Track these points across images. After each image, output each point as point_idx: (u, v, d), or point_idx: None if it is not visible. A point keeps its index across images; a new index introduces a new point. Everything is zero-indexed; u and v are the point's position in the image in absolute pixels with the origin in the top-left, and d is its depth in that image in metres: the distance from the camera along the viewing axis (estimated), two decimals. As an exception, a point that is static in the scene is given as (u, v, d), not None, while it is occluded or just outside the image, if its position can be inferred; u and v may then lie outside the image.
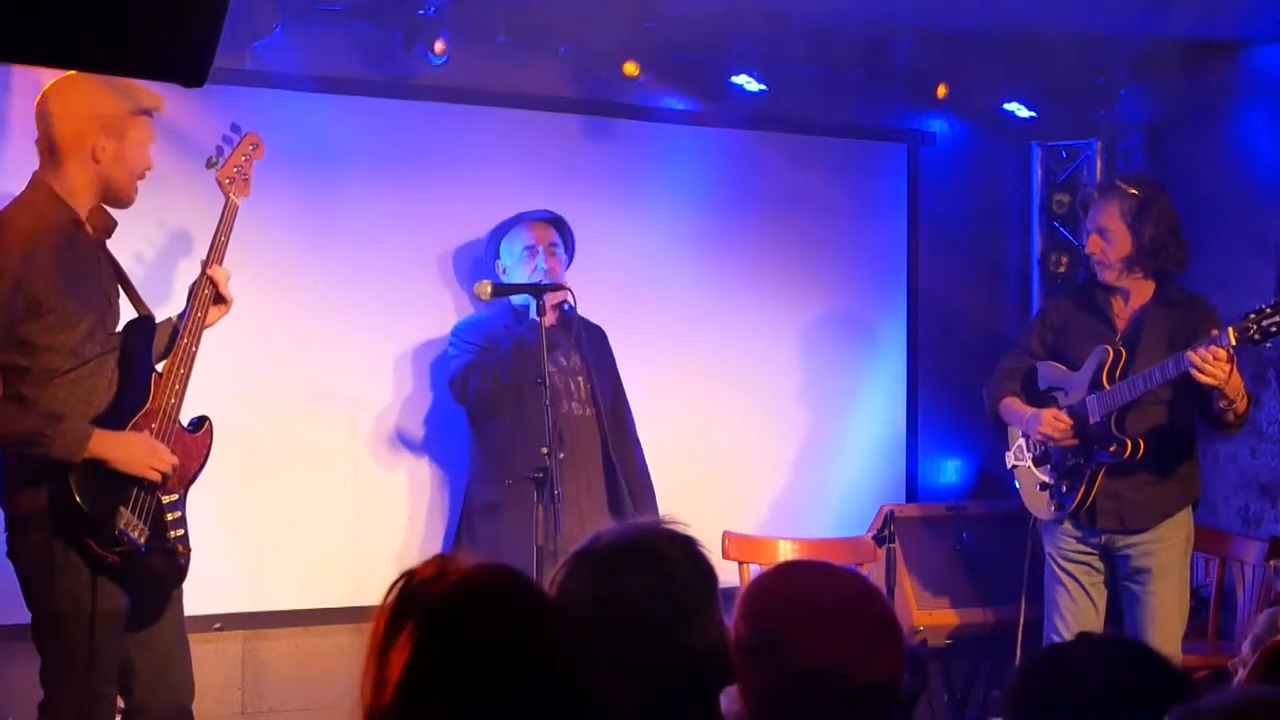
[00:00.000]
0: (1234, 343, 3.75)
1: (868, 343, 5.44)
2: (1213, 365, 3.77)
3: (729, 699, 1.95)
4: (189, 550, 3.47)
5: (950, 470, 5.60)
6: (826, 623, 1.91)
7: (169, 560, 3.42)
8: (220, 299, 3.60)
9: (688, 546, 1.95)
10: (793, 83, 5.06)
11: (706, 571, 1.94)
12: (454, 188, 4.79)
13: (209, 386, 4.28)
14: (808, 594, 1.96)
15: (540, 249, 4.38)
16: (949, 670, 5.06)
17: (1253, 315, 3.74)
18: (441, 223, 4.78)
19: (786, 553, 4.58)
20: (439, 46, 4.47)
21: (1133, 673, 1.82)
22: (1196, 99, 5.27)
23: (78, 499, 3.21)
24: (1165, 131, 5.39)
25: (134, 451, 3.31)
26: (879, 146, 5.50)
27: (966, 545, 5.12)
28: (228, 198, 3.63)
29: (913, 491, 5.48)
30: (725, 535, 4.59)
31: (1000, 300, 5.71)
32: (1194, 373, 3.80)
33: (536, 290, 4.04)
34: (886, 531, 4.96)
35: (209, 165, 3.66)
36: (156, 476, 3.34)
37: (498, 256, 4.45)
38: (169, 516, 3.41)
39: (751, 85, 4.99)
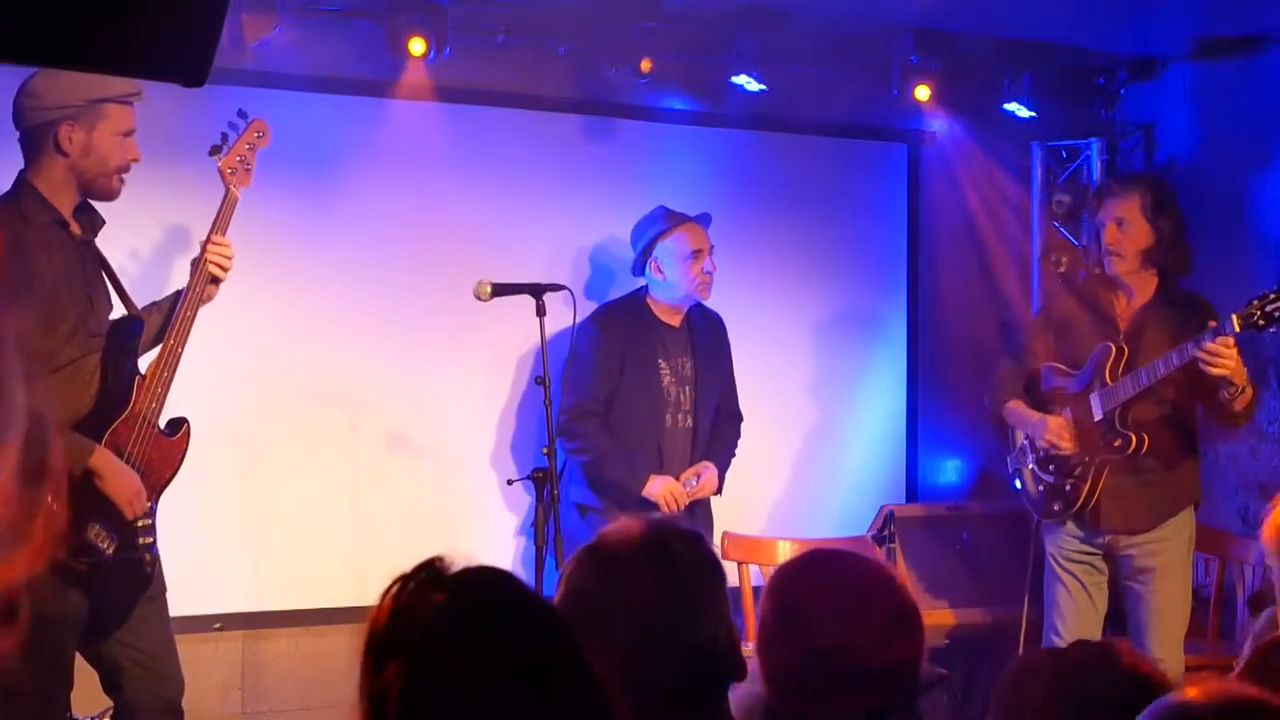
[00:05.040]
0: (1238, 329, 3.75)
1: (868, 343, 5.44)
2: (1224, 354, 3.77)
3: (752, 680, 1.97)
4: (156, 559, 3.43)
5: (950, 470, 5.60)
6: (845, 603, 1.96)
7: (136, 569, 3.38)
8: (214, 278, 3.50)
9: (695, 543, 1.96)
10: (793, 83, 5.06)
11: (713, 568, 1.95)
12: (454, 188, 4.79)
13: (208, 386, 4.30)
14: (829, 575, 2.03)
15: (707, 253, 4.44)
16: (949, 670, 5.06)
17: (1256, 301, 3.75)
18: (441, 222, 4.78)
19: (786, 553, 4.58)
20: (415, 47, 4.45)
21: (1123, 686, 1.83)
22: (1197, 98, 5.27)
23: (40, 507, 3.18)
24: (1165, 131, 5.39)
25: (125, 482, 3.30)
26: (879, 146, 5.50)
27: (966, 545, 5.12)
28: (228, 189, 3.54)
29: (913, 491, 5.48)
30: (725, 535, 4.60)
31: (1000, 300, 5.71)
32: (1204, 367, 3.80)
33: (536, 290, 4.04)
34: (886, 531, 4.97)
35: (212, 153, 3.56)
36: (130, 514, 3.31)
37: (651, 256, 4.45)
38: (139, 524, 3.37)
39: (752, 85, 4.99)
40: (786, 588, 2.02)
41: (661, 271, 4.45)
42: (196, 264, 3.50)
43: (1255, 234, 5.05)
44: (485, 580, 1.47)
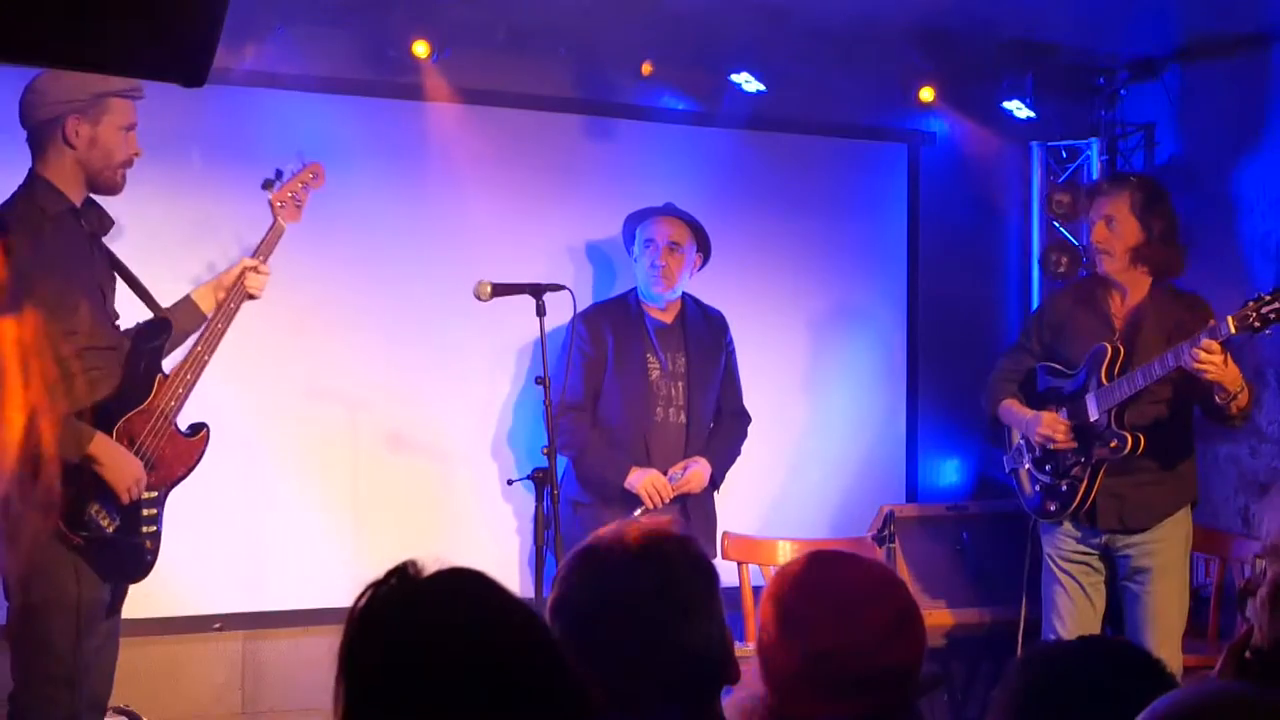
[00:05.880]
0: (1234, 331, 3.74)
1: (868, 343, 5.44)
2: (1205, 359, 3.77)
3: (753, 681, 1.98)
4: (157, 548, 3.52)
5: (950, 470, 5.60)
6: (847, 606, 1.97)
7: (135, 554, 3.47)
8: (250, 296, 3.72)
9: (688, 546, 1.96)
10: (793, 82, 5.06)
11: (707, 570, 1.95)
12: (454, 188, 4.80)
13: (209, 387, 4.29)
14: (831, 578, 2.03)
15: (660, 245, 4.45)
16: (949, 670, 5.06)
17: (1251, 303, 3.74)
18: (441, 222, 4.79)
19: (786, 553, 4.58)
20: (420, 49, 4.50)
21: (1131, 679, 1.82)
22: (1197, 98, 5.27)
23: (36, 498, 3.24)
24: (1165, 131, 5.39)
25: (124, 470, 3.38)
26: (879, 146, 5.50)
27: (966, 545, 5.12)
28: (275, 219, 3.76)
29: (913, 491, 5.48)
30: (725, 535, 4.60)
31: (1000, 300, 5.71)
32: (1193, 365, 3.80)
33: (536, 290, 4.05)
34: (886, 531, 4.97)
35: (265, 186, 3.78)
36: (126, 499, 3.38)
37: (633, 241, 4.54)
38: (144, 512, 3.46)
39: (751, 85, 4.99)
40: (788, 589, 2.03)
41: (635, 258, 4.53)
42: (238, 285, 3.68)
43: (1255, 234, 5.05)
44: (457, 584, 1.46)
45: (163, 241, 4.35)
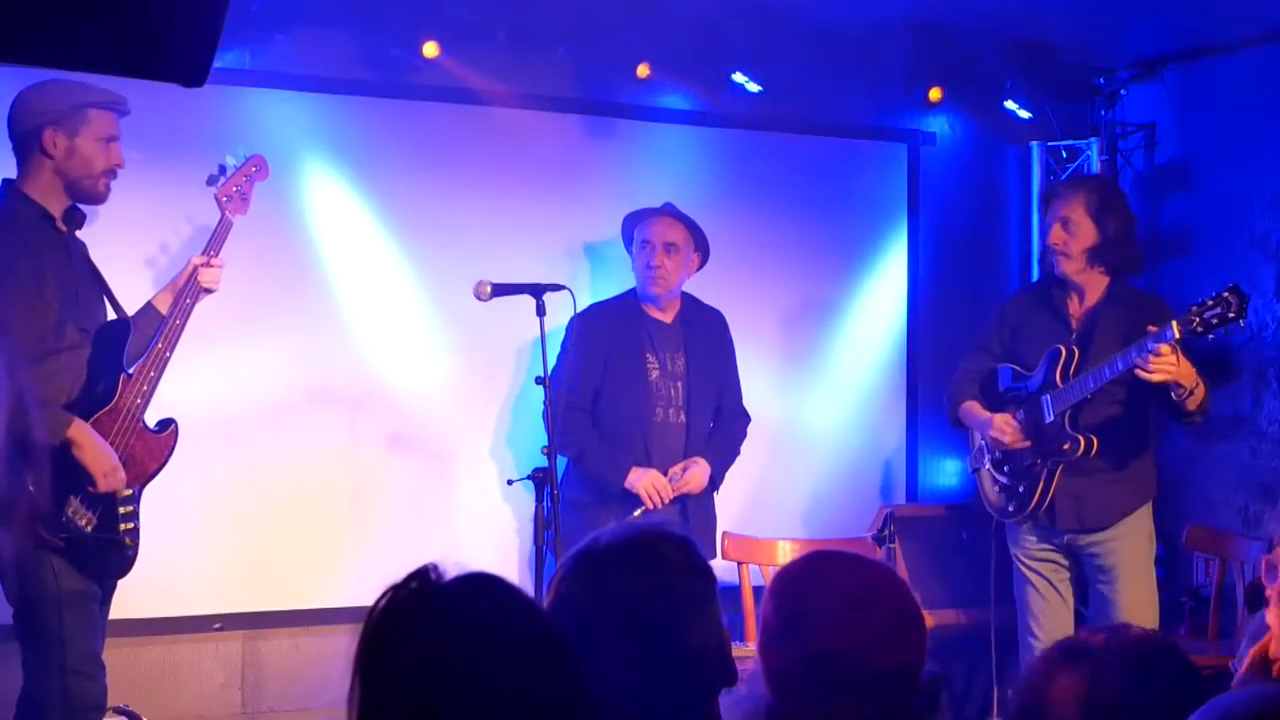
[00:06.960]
0: (1178, 336, 3.78)
1: (867, 343, 5.44)
2: (1157, 363, 3.79)
3: (755, 681, 1.97)
4: (137, 544, 3.54)
5: (950, 470, 5.60)
6: (848, 607, 1.96)
7: (116, 551, 3.50)
8: (207, 290, 3.73)
9: (685, 547, 1.96)
10: (792, 82, 5.06)
11: (704, 572, 1.95)
12: (454, 187, 4.80)
13: (208, 386, 4.30)
14: (833, 579, 2.02)
15: (656, 246, 4.44)
16: (949, 670, 5.06)
17: (1194, 308, 3.78)
18: (441, 222, 4.78)
19: (786, 553, 4.58)
20: (429, 49, 4.52)
21: (1162, 672, 1.80)
22: (1197, 98, 5.27)
23: (28, 484, 3.27)
24: (1165, 131, 5.39)
25: (102, 455, 3.42)
26: (879, 146, 5.49)
27: (967, 545, 5.12)
28: (223, 214, 3.75)
29: (913, 491, 5.48)
30: (725, 535, 4.60)
31: (1000, 300, 5.70)
32: (1143, 375, 3.82)
33: (536, 290, 4.05)
34: (886, 531, 4.97)
35: (209, 182, 3.77)
36: (105, 487, 3.42)
37: (632, 241, 4.54)
38: (121, 510, 3.50)
39: (751, 85, 4.99)
40: (790, 589, 2.02)
41: (633, 257, 4.53)
42: (191, 280, 3.69)
43: (1255, 233, 5.04)
44: (477, 590, 1.46)
45: (157, 240, 4.34)
